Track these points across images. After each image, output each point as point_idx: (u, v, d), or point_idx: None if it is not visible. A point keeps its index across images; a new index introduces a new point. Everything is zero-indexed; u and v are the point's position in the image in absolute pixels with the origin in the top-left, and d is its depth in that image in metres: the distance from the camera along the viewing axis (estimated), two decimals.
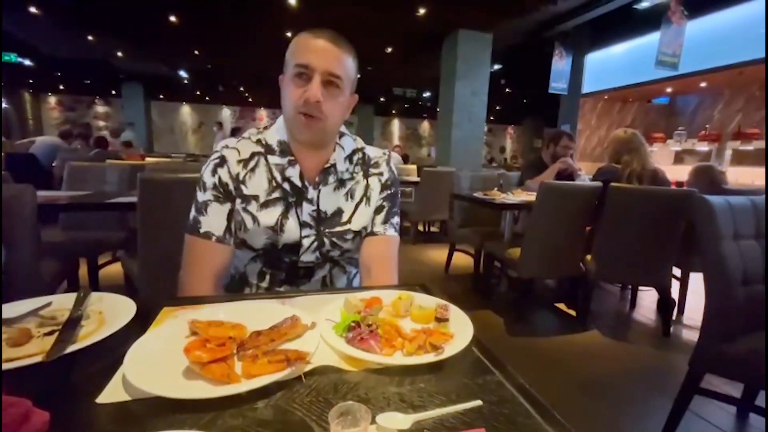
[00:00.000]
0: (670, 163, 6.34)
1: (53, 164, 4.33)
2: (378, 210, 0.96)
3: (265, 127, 0.94)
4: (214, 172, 0.87)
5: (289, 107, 0.83)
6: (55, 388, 0.46)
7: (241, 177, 0.87)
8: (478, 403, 0.44)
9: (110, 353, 0.51)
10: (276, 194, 0.88)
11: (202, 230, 0.86)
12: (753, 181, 4.81)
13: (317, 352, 0.54)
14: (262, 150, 0.90)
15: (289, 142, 0.88)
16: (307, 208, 0.89)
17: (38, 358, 0.48)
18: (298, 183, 0.88)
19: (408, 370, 0.52)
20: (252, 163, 0.89)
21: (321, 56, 0.79)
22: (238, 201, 0.87)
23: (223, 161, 0.88)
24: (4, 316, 0.58)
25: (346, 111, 0.89)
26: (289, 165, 0.88)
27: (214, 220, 0.86)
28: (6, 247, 1.18)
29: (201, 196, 0.88)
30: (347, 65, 0.83)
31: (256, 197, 0.87)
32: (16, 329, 0.54)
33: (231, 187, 0.87)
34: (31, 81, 11.59)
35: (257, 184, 0.88)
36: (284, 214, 0.88)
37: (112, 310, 0.62)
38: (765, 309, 1.21)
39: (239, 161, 0.88)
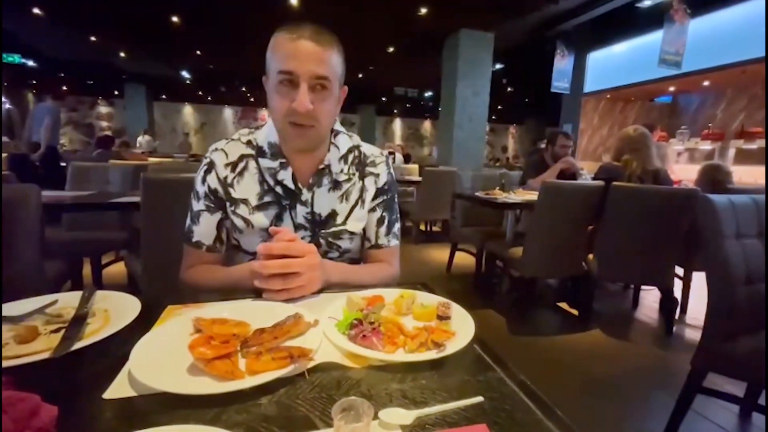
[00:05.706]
0: (673, 161, 6.31)
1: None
2: (380, 222, 0.96)
3: (257, 127, 0.92)
4: (203, 179, 0.88)
5: (279, 116, 0.79)
6: (63, 384, 0.47)
7: (229, 180, 0.87)
8: (480, 399, 0.45)
9: (116, 350, 0.52)
10: (268, 198, 0.87)
11: (194, 239, 0.89)
12: (756, 180, 4.78)
13: (320, 349, 0.54)
14: (252, 152, 0.88)
15: (281, 145, 0.86)
16: (301, 211, 0.88)
17: (45, 355, 0.48)
18: (291, 186, 0.86)
19: (410, 366, 0.52)
20: (240, 166, 0.87)
21: (305, 60, 0.74)
22: (228, 204, 0.87)
23: (211, 167, 0.87)
24: (11, 314, 0.59)
25: (338, 106, 0.86)
26: (281, 168, 0.86)
27: (205, 229, 0.88)
28: (11, 246, 1.19)
29: (195, 206, 0.89)
30: (333, 63, 0.78)
31: (245, 201, 0.86)
32: (23, 327, 0.55)
33: (221, 192, 0.87)
34: (34, 82, 11.65)
35: (246, 188, 0.87)
36: (278, 217, 0.87)
37: (118, 308, 0.62)
38: (766, 308, 1.20)
39: (227, 164, 0.87)
